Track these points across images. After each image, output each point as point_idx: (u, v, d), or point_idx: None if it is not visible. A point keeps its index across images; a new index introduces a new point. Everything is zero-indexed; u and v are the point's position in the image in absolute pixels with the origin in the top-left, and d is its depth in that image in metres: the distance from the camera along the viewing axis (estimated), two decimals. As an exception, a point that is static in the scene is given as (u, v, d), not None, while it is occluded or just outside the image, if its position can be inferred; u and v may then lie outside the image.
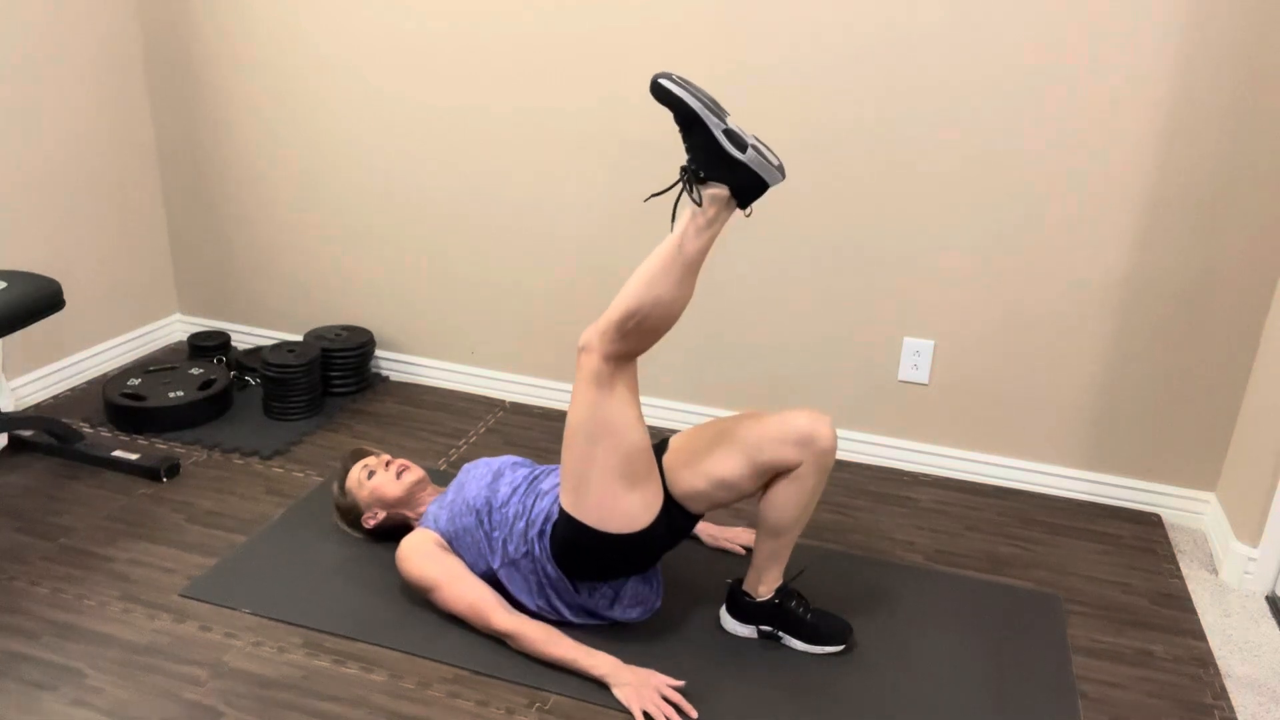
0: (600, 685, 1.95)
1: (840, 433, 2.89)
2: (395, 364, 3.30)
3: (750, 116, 2.65)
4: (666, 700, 1.91)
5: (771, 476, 1.97)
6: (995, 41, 2.44)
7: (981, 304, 2.66)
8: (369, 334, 3.20)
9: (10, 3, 2.77)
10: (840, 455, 2.91)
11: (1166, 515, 2.68)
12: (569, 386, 3.11)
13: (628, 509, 1.93)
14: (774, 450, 1.93)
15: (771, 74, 2.61)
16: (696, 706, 1.91)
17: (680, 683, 1.94)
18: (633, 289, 1.82)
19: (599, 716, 1.90)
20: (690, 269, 1.81)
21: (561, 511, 1.98)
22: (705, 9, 2.61)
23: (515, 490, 2.11)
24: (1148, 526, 2.62)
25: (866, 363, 2.80)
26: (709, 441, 1.99)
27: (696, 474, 1.98)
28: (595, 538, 1.95)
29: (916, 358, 2.75)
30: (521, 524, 2.05)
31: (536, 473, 2.17)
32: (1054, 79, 2.42)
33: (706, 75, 2.66)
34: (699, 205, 1.79)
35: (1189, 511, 2.66)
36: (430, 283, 3.15)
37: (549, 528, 2.01)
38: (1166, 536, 2.58)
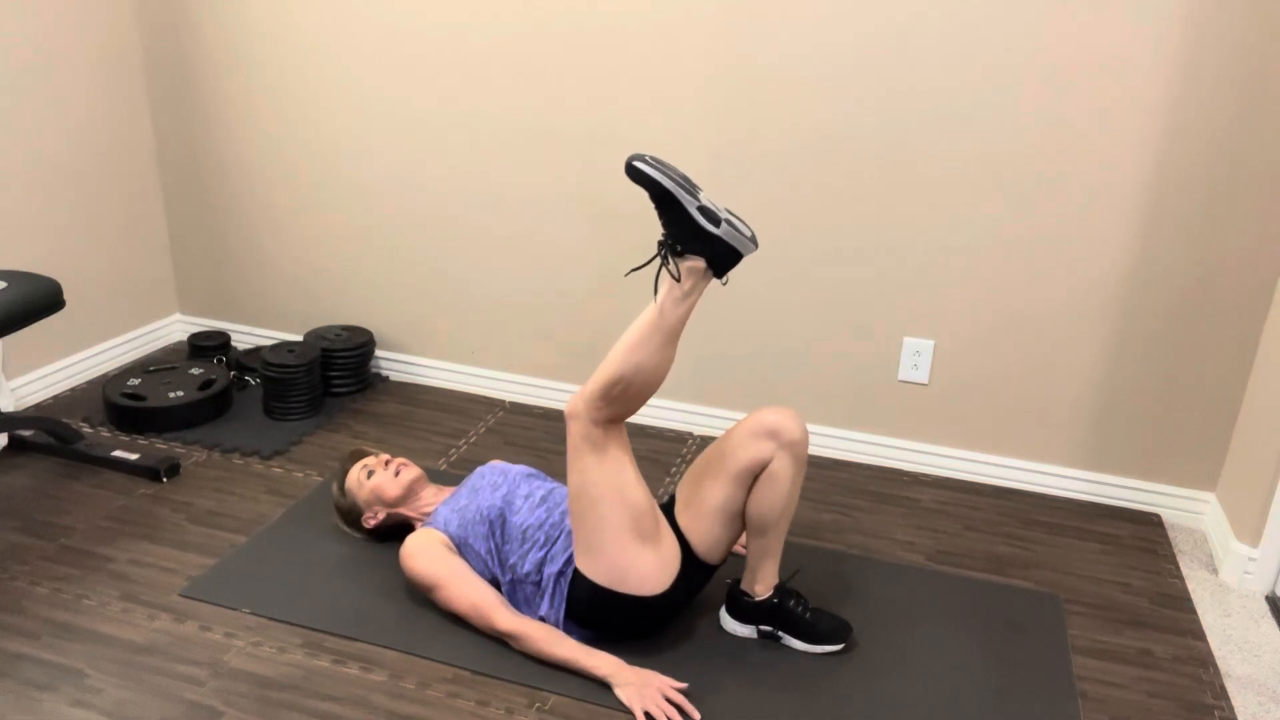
0: (602, 685, 1.95)
1: (840, 433, 2.89)
2: (395, 364, 3.30)
3: (750, 116, 2.66)
4: (669, 701, 1.91)
5: (752, 479, 1.99)
6: (995, 41, 2.44)
7: (981, 304, 2.66)
8: (369, 334, 3.20)
9: (11, 3, 2.77)
10: (840, 455, 2.91)
11: (1166, 515, 2.68)
12: (569, 387, 3.11)
13: (643, 569, 1.96)
14: (744, 450, 1.97)
15: (771, 74, 2.61)
16: (697, 706, 1.91)
17: (683, 684, 1.94)
18: (615, 357, 1.87)
19: (599, 717, 1.90)
20: (670, 337, 1.88)
21: (576, 572, 2.00)
22: (705, 10, 2.61)
23: (532, 507, 2.12)
24: (1148, 526, 2.62)
25: (866, 363, 2.80)
26: (698, 480, 2.04)
27: (703, 516, 2.02)
28: (611, 598, 1.97)
29: (916, 358, 2.75)
30: (539, 554, 2.06)
31: (550, 488, 2.18)
32: (1054, 79, 2.42)
33: (706, 75, 2.66)
34: (676, 279, 1.85)
35: (1189, 511, 2.66)
36: (430, 283, 3.15)
37: (570, 570, 2.01)
38: (1166, 536, 2.58)
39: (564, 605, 2.01)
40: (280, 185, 3.21)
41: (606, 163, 2.83)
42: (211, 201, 3.32)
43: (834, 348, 2.81)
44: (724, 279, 1.89)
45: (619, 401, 1.90)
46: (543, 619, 2.05)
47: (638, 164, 1.81)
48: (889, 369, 2.79)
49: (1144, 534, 2.59)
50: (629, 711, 1.90)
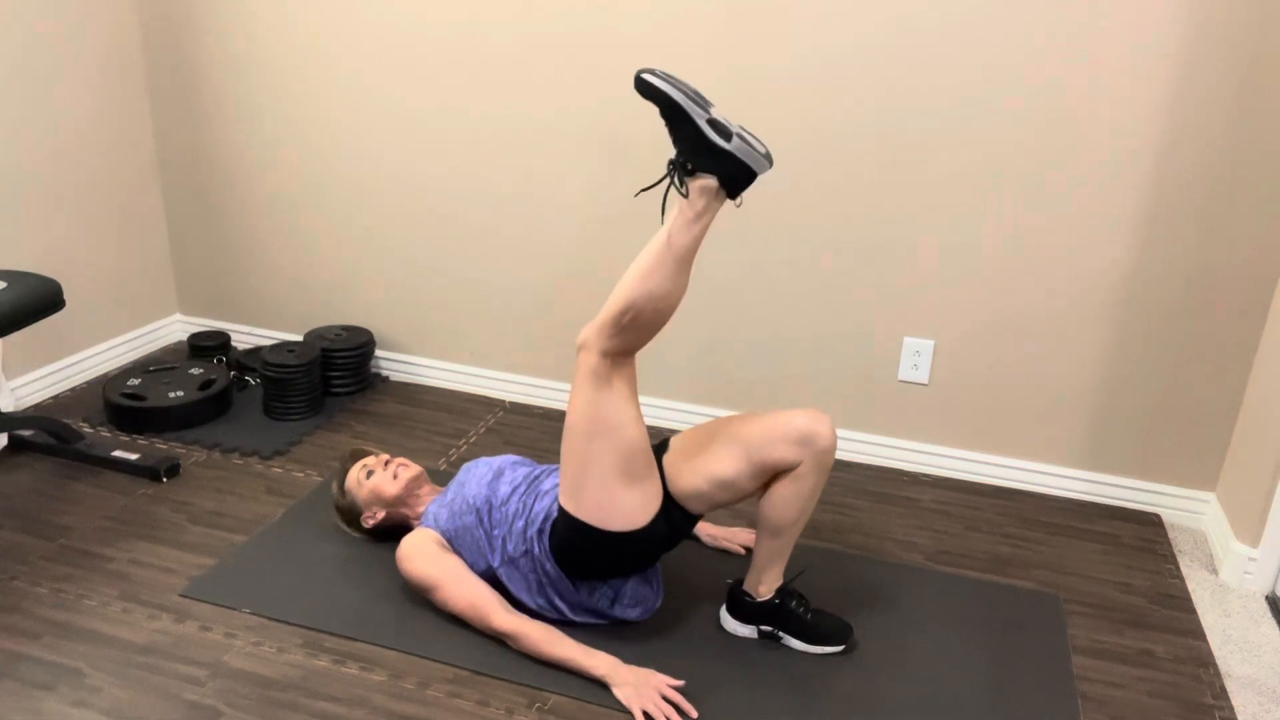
0: (600, 685, 1.95)
1: (840, 433, 2.89)
2: (395, 364, 3.30)
3: (750, 115, 2.65)
4: (667, 700, 1.91)
5: (771, 476, 1.97)
6: (996, 41, 2.44)
7: (981, 304, 2.66)
8: (369, 334, 3.20)
9: (11, 4, 2.77)
10: (840, 455, 2.91)
11: (1166, 515, 2.68)
12: (568, 386, 3.10)
13: (626, 506, 1.93)
14: (773, 450, 1.93)
15: (771, 73, 2.61)
16: (696, 706, 1.91)
17: (680, 682, 1.94)
18: (627, 285, 1.83)
19: (599, 716, 1.90)
20: (683, 262, 1.82)
21: (561, 510, 1.98)
22: (704, 8, 2.61)
23: (515, 489, 2.12)
24: (1147, 526, 2.62)
25: (866, 363, 2.80)
26: (709, 442, 1.99)
27: (697, 474, 1.98)
28: (594, 536, 1.95)
29: (916, 358, 2.75)
30: (521, 523, 2.05)
31: (537, 472, 2.17)
32: (1054, 78, 2.42)
33: (706, 74, 2.66)
34: (686, 198, 1.80)
35: (1189, 511, 2.66)
36: (430, 283, 3.15)
37: (548, 526, 2.01)
38: (1166, 536, 2.58)
39: (549, 549, 2.00)
40: (280, 185, 3.21)
41: (606, 162, 2.83)
42: (211, 201, 3.32)
43: (834, 348, 2.81)
44: (738, 200, 1.82)
45: (629, 331, 1.85)
46: (545, 580, 2.04)
47: (646, 76, 1.75)
48: (889, 369, 2.79)
49: (1144, 534, 2.59)
50: (628, 711, 1.90)
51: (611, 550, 1.97)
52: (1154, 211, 2.46)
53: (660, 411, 3.03)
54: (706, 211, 1.80)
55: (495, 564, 2.09)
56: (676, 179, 1.80)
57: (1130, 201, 2.47)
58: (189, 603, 2.18)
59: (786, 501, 1.96)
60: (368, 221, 3.15)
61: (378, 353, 3.30)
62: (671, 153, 1.83)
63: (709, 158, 1.77)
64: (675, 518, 2.01)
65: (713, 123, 1.76)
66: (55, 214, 3.01)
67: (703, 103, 1.77)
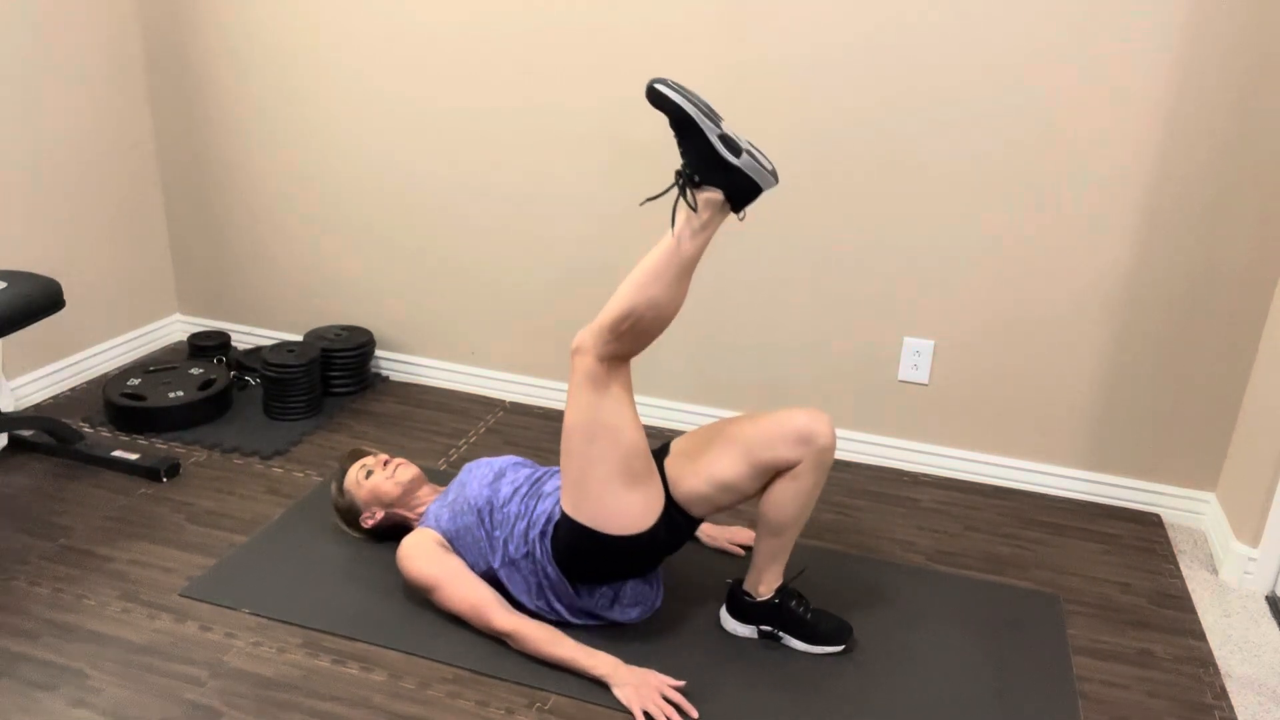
0: (600, 685, 1.95)
1: (840, 433, 2.89)
2: (395, 364, 3.30)
3: (750, 115, 2.66)
4: (667, 700, 1.91)
5: (771, 476, 1.97)
6: (995, 41, 2.44)
7: (981, 304, 2.66)
8: (369, 334, 3.20)
9: (10, 3, 2.77)
10: (840, 455, 2.91)
11: (1166, 515, 2.68)
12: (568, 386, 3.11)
13: (628, 510, 1.93)
14: (773, 449, 1.93)
15: (771, 73, 2.61)
16: (697, 706, 1.91)
17: (680, 683, 1.94)
18: (627, 291, 1.83)
19: (599, 716, 1.90)
20: (684, 272, 1.83)
21: (562, 513, 1.98)
22: (705, 8, 2.61)
23: (517, 490, 2.12)
24: (1148, 526, 2.62)
25: (866, 363, 2.80)
26: (708, 444, 2.00)
27: (698, 477, 1.98)
28: (596, 539, 1.95)
29: (916, 358, 2.75)
30: (523, 524, 2.05)
31: (539, 474, 2.17)
32: (1054, 79, 2.42)
33: (706, 74, 2.66)
34: (693, 209, 1.80)
35: (1189, 511, 2.66)
36: (430, 283, 3.15)
37: (550, 529, 2.01)
38: (1166, 536, 2.58)
39: (551, 553, 2.00)
40: (280, 185, 3.21)
41: (607, 162, 2.83)
42: (211, 201, 3.32)
43: (834, 348, 2.81)
44: (741, 214, 1.83)
45: (627, 337, 1.86)
46: (545, 582, 2.04)
47: (659, 87, 1.75)
48: (889, 369, 2.79)
49: (1144, 534, 2.59)
50: (628, 711, 1.90)
51: (613, 553, 1.97)
52: (1154, 211, 2.46)
53: (660, 412, 3.03)
54: (711, 223, 1.82)
55: (496, 565, 2.09)
56: (684, 190, 1.81)
57: (1130, 201, 2.47)
58: (189, 603, 2.18)
59: (786, 500, 1.96)
60: (368, 221, 3.15)
61: (378, 353, 3.30)
62: (678, 161, 1.83)
63: (717, 171, 1.78)
64: (677, 522, 2.02)
65: (723, 137, 1.76)
66: (55, 214, 3.01)
67: (714, 116, 1.77)
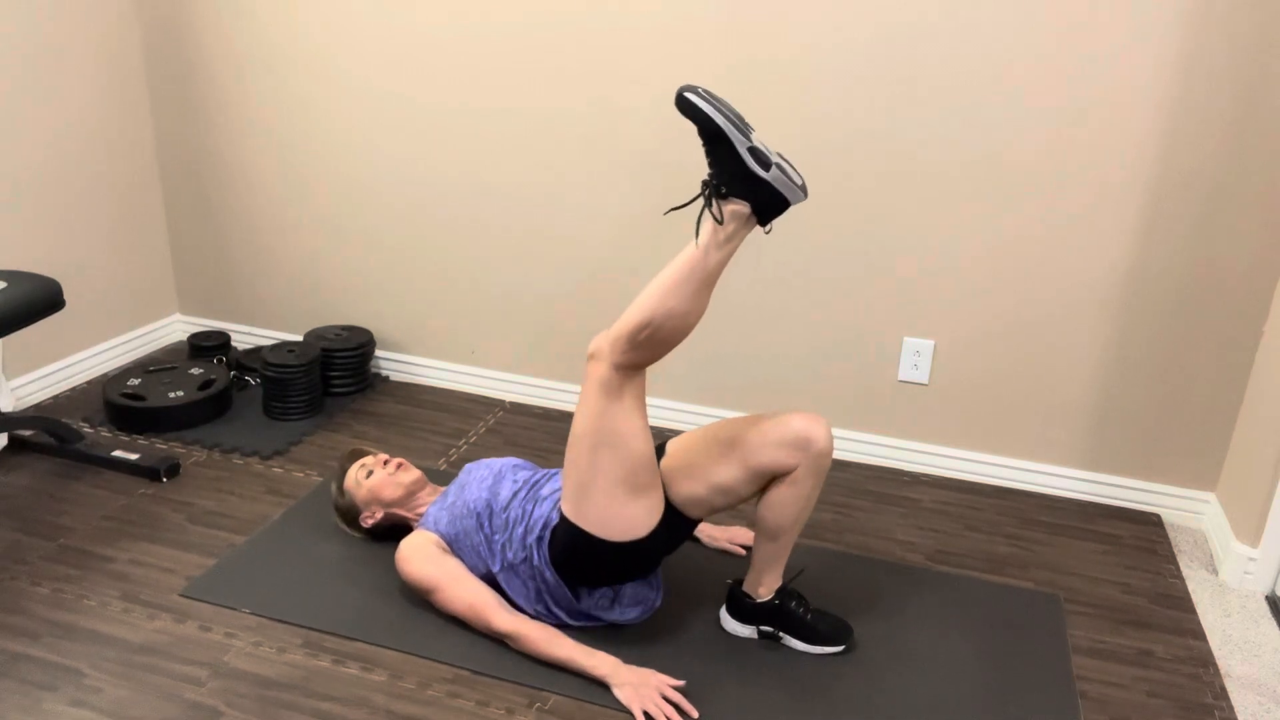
0: (600, 685, 1.95)
1: (840, 433, 2.89)
2: (395, 364, 3.30)
3: (752, 117, 2.66)
4: (667, 700, 1.91)
5: (768, 480, 1.97)
6: (995, 43, 2.44)
7: (981, 304, 2.66)
8: (369, 334, 3.20)
9: (10, 3, 2.77)
10: (840, 455, 2.91)
11: (1166, 515, 2.68)
12: (569, 387, 3.11)
13: (630, 517, 1.93)
14: (770, 454, 1.93)
15: (772, 74, 2.61)
16: (697, 707, 1.91)
17: (680, 682, 1.94)
18: (647, 300, 1.80)
19: (599, 717, 1.90)
20: (707, 283, 1.80)
21: (562, 517, 1.98)
22: (711, 11, 2.61)
23: (516, 494, 2.11)
24: (1148, 526, 2.62)
25: (866, 363, 2.80)
26: (706, 447, 1.99)
27: (694, 480, 1.98)
28: (595, 545, 1.95)
29: (916, 358, 2.75)
30: (520, 529, 2.05)
31: (537, 477, 2.16)
32: (1054, 79, 2.42)
33: (710, 76, 2.66)
34: (719, 221, 1.77)
35: (1189, 511, 2.66)
36: (430, 283, 3.15)
37: (548, 534, 2.01)
38: (1166, 536, 2.58)
39: (548, 556, 2.00)
40: (280, 185, 3.21)
41: (607, 162, 2.83)
42: (211, 201, 3.32)
43: (834, 348, 2.81)
44: (768, 228, 1.81)
45: (645, 347, 1.83)
46: (544, 586, 2.04)
47: (690, 96, 1.72)
48: (889, 369, 2.79)
49: (1144, 534, 2.59)
50: (628, 711, 1.90)
51: (612, 558, 1.97)
52: (1154, 211, 2.46)
53: (660, 411, 3.03)
54: (736, 236, 1.79)
55: (495, 569, 2.09)
56: (710, 201, 1.78)
57: (1131, 201, 2.47)
58: (189, 603, 2.18)
59: (784, 505, 1.96)
60: (368, 221, 3.15)
61: (378, 353, 3.30)
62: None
63: (745, 184, 1.75)
64: (675, 524, 2.01)
65: (753, 150, 1.73)
66: (55, 214, 3.01)
67: (744, 128, 1.74)
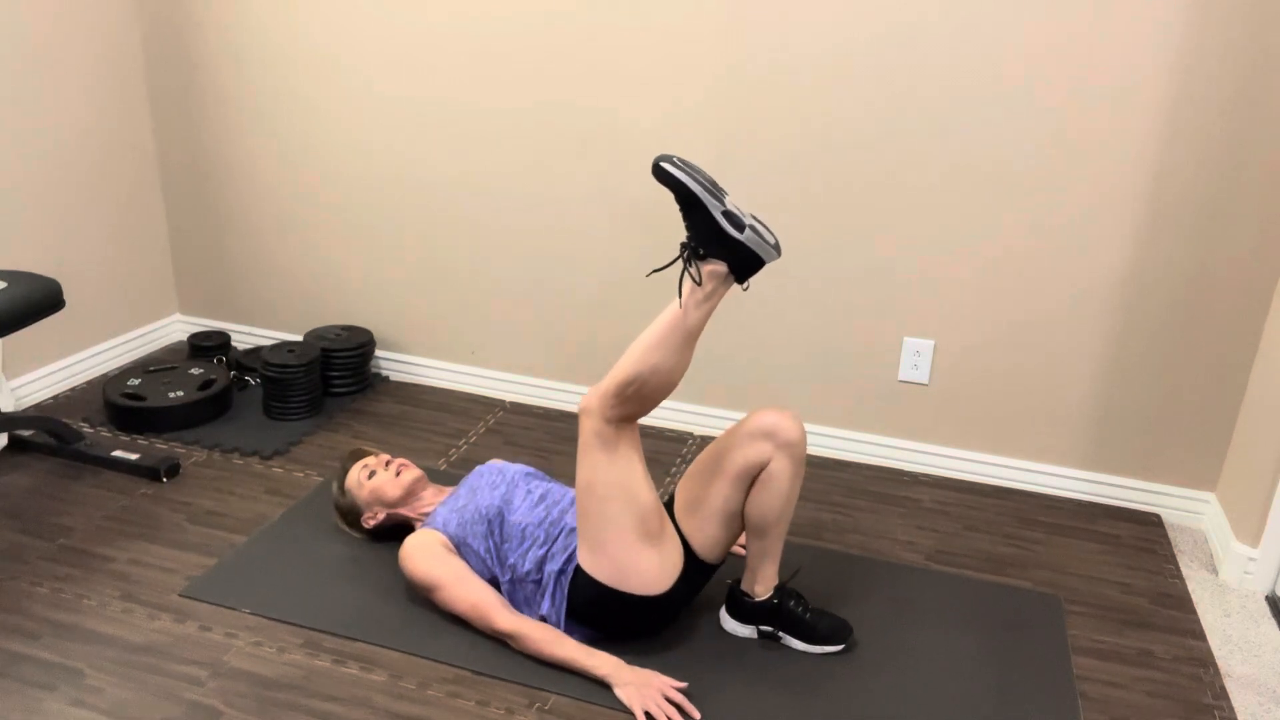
0: (601, 686, 1.95)
1: (840, 432, 2.89)
2: (395, 364, 3.30)
3: (754, 118, 2.66)
4: (669, 701, 1.91)
5: (750, 479, 1.99)
6: (995, 45, 2.44)
7: (982, 304, 2.66)
8: (369, 334, 3.20)
9: (10, 2, 2.77)
10: (840, 455, 2.91)
11: (1166, 515, 2.68)
12: (569, 387, 3.11)
13: (647, 569, 1.96)
14: (742, 450, 1.97)
15: (775, 76, 2.61)
16: (697, 706, 1.91)
17: (682, 684, 1.94)
18: (632, 357, 1.87)
19: (599, 717, 1.90)
20: (689, 340, 1.88)
21: (579, 569, 1.99)
22: (708, 13, 2.61)
23: (531, 506, 2.12)
24: (1148, 526, 2.62)
25: (866, 363, 2.80)
26: (699, 476, 2.04)
27: (702, 518, 2.02)
28: (613, 597, 1.97)
29: (916, 358, 2.75)
30: (539, 551, 2.05)
31: (557, 494, 2.17)
32: (1053, 81, 2.42)
33: (709, 79, 2.66)
34: (698, 282, 1.84)
35: (1189, 511, 2.66)
36: (430, 283, 3.15)
37: (570, 569, 2.01)
38: (1166, 536, 2.58)
39: (565, 604, 2.01)
40: (280, 185, 3.21)
41: (608, 163, 2.83)
42: (211, 201, 3.32)
43: (834, 348, 2.81)
44: (745, 285, 1.89)
45: (633, 401, 1.89)
46: (543, 618, 2.05)
47: (664, 165, 1.81)
48: (889, 369, 2.79)
49: (1144, 534, 2.59)
50: (629, 711, 1.90)
51: (629, 612, 1.99)
52: (1154, 211, 2.46)
53: (662, 411, 3.03)
54: (715, 294, 1.87)
55: (501, 577, 2.10)
56: (689, 262, 1.85)
57: (1130, 202, 2.47)
58: (189, 603, 2.18)
59: (764, 499, 1.98)
60: (368, 221, 3.15)
61: (378, 353, 3.30)
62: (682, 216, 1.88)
63: (721, 245, 1.83)
64: (695, 580, 2.05)
65: (727, 214, 1.82)
66: (55, 214, 3.01)
67: (718, 193, 1.82)
